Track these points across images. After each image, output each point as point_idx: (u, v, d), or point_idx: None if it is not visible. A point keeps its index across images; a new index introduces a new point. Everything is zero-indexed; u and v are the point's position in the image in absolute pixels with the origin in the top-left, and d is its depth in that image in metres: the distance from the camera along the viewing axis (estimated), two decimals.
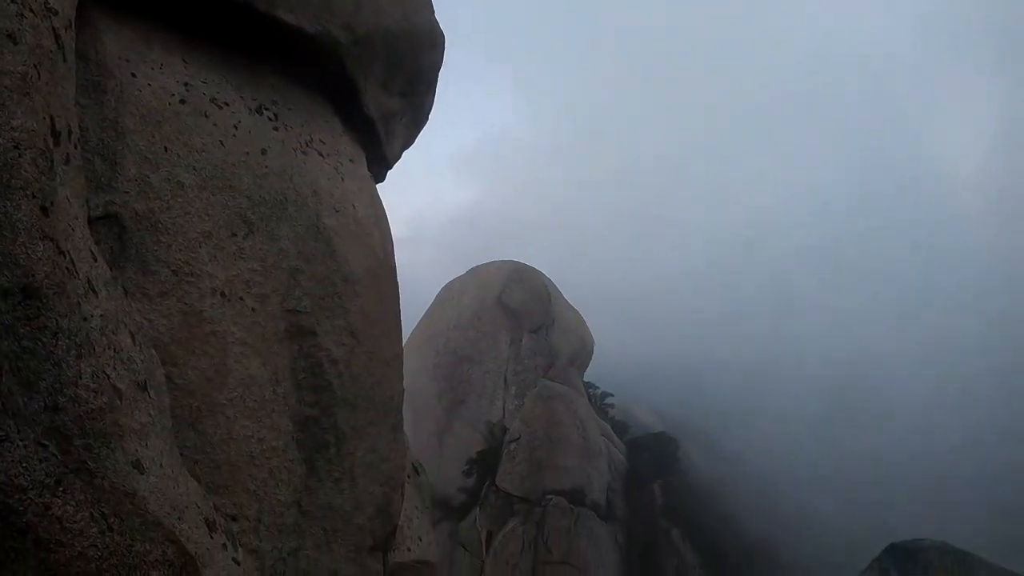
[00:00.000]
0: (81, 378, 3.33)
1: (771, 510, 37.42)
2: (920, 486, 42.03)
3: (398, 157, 10.67)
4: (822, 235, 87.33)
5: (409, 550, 9.88)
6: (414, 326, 38.25)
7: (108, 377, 3.51)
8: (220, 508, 5.26)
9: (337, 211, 7.02)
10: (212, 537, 4.09)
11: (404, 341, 8.62)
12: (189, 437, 5.37)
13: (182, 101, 6.00)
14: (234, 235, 6.01)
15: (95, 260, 3.80)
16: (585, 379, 39.42)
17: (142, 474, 3.45)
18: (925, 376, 57.39)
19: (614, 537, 30.41)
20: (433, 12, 9.57)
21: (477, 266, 40.49)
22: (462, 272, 40.87)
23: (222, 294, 5.84)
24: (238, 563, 4.31)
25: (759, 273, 79.11)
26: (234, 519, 5.49)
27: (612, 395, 43.61)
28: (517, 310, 36.18)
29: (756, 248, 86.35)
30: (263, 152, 6.55)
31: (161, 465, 3.74)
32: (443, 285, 40.97)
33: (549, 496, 29.24)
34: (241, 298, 6.02)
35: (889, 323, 67.99)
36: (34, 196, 3.33)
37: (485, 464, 32.22)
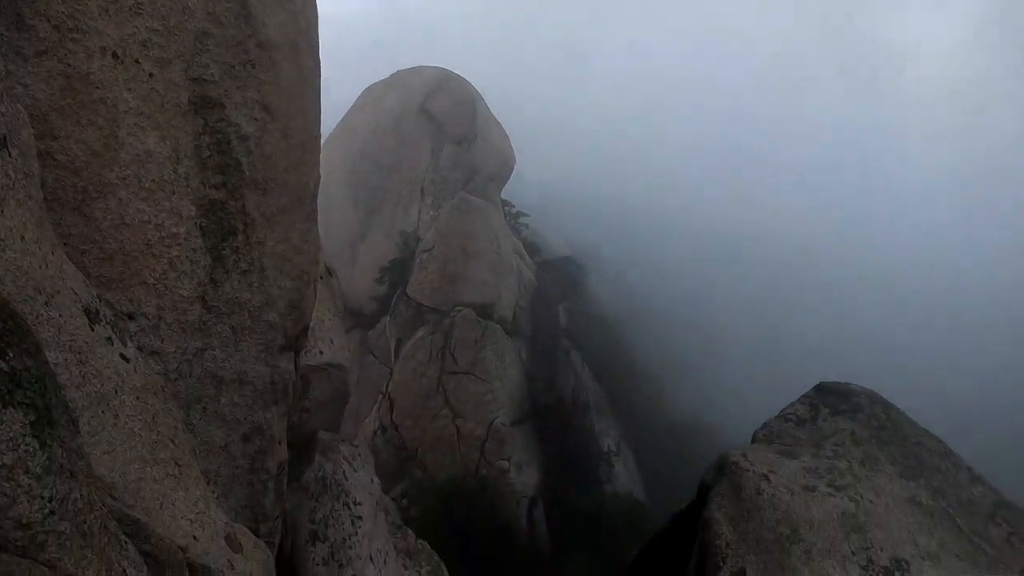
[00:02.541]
0: None
1: (670, 346, 38.91)
2: (848, 339, 44.28)
3: None
4: (773, 103, 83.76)
5: (321, 353, 9.56)
6: (330, 131, 36.54)
7: None
8: (115, 305, 4.62)
9: None
10: (93, 329, 3.45)
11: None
12: (74, 223, 4.63)
13: None
14: None
15: None
16: (502, 197, 39.01)
17: None
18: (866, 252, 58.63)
19: (518, 352, 31.23)
20: None
21: (401, 71, 38.43)
22: (378, 74, 38.85)
23: (114, 55, 4.90)
24: (127, 359, 3.72)
25: (700, 128, 76.71)
26: (131, 317, 4.88)
27: (527, 215, 43.52)
28: (440, 119, 34.87)
29: (698, 101, 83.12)
30: None
31: (23, 239, 3.01)
32: (358, 88, 38.96)
33: (458, 308, 29.50)
34: (137, 61, 5.08)
35: (832, 203, 67.78)
36: None
37: (397, 273, 32.09)
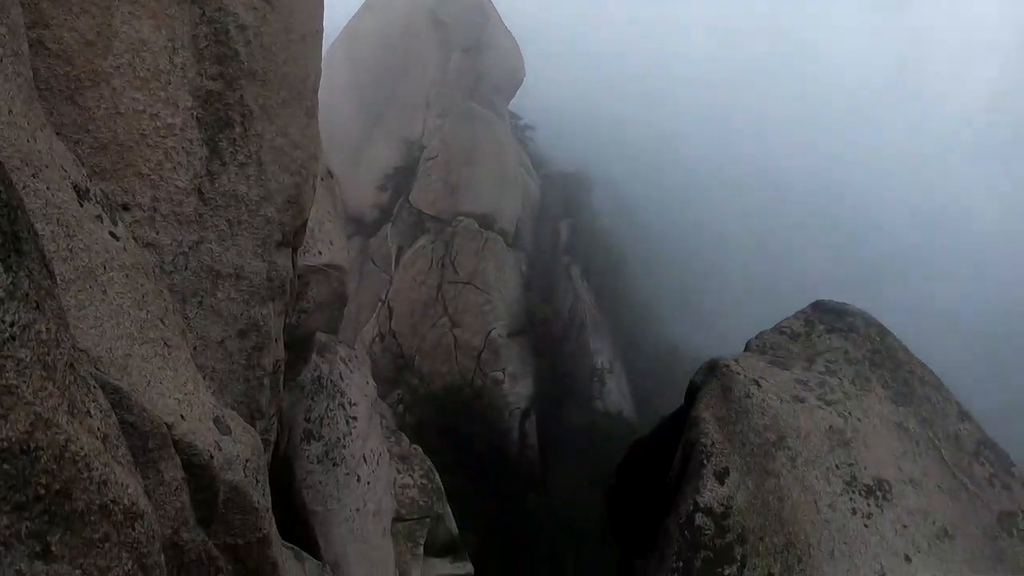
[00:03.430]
0: None
1: (669, 268, 38.98)
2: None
3: None
4: (790, 29, 79.76)
5: (320, 253, 9.53)
6: (335, 36, 35.58)
7: None
8: (109, 196, 4.57)
9: None
10: (82, 205, 3.40)
11: (324, 52, 7.59)
12: (67, 113, 4.54)
13: None
14: None
15: None
16: (509, 109, 38.37)
17: None
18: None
19: (518, 265, 31.30)
20: None
21: None
22: None
23: None
24: (117, 238, 3.68)
25: (712, 50, 73.74)
26: (125, 208, 4.82)
27: (534, 129, 42.90)
28: (449, 26, 33.96)
29: (712, 23, 79.56)
30: None
31: (10, 112, 2.94)
32: None
33: (460, 217, 29.41)
34: None
35: (837, 131, 65.70)
36: None
37: (400, 181, 31.86)
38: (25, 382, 1.89)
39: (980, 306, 43.76)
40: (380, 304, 29.01)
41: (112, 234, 3.61)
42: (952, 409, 7.40)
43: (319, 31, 6.90)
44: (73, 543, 2.04)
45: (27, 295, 1.94)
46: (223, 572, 3.92)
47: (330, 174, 10.68)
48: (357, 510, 10.36)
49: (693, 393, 6.24)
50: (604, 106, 55.67)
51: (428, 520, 14.29)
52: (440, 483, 15.43)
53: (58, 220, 3.12)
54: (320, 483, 9.83)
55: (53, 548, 1.96)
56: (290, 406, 9.67)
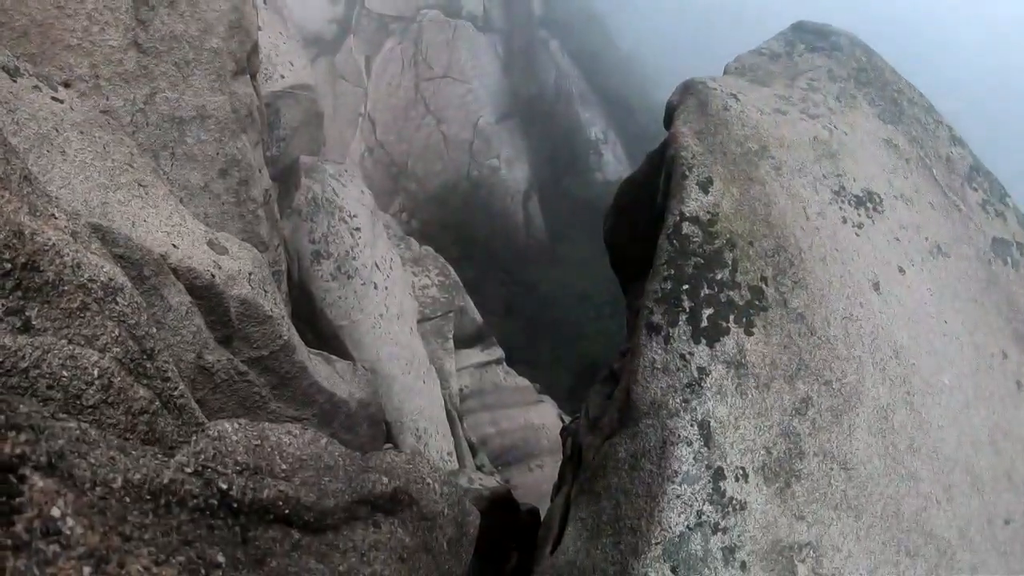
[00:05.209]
0: None
1: (654, 24, 37.25)
2: None
3: None
4: None
5: (283, 77, 9.30)
6: None
7: None
8: (48, 80, 4.44)
9: None
10: (16, 81, 3.34)
11: None
12: None
13: None
14: None
15: None
16: None
17: None
18: None
19: (493, 48, 30.16)
20: None
21: None
22: None
23: None
24: (60, 101, 3.64)
25: None
26: (67, 85, 4.69)
27: None
28: None
29: None
30: None
31: None
32: None
33: (423, 11, 28.02)
34: None
35: None
36: None
37: None
38: None
39: (979, 39, 41.84)
40: (361, 118, 28.33)
41: (54, 99, 3.57)
42: (944, 132, 7.16)
43: None
44: (53, 315, 2.14)
45: None
46: (255, 385, 4.21)
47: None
48: (380, 316, 10.81)
49: (670, 115, 5.96)
50: None
51: (452, 314, 14.85)
52: (456, 277, 15.89)
53: None
54: (340, 298, 10.20)
55: (34, 321, 2.06)
56: (292, 232, 9.85)
